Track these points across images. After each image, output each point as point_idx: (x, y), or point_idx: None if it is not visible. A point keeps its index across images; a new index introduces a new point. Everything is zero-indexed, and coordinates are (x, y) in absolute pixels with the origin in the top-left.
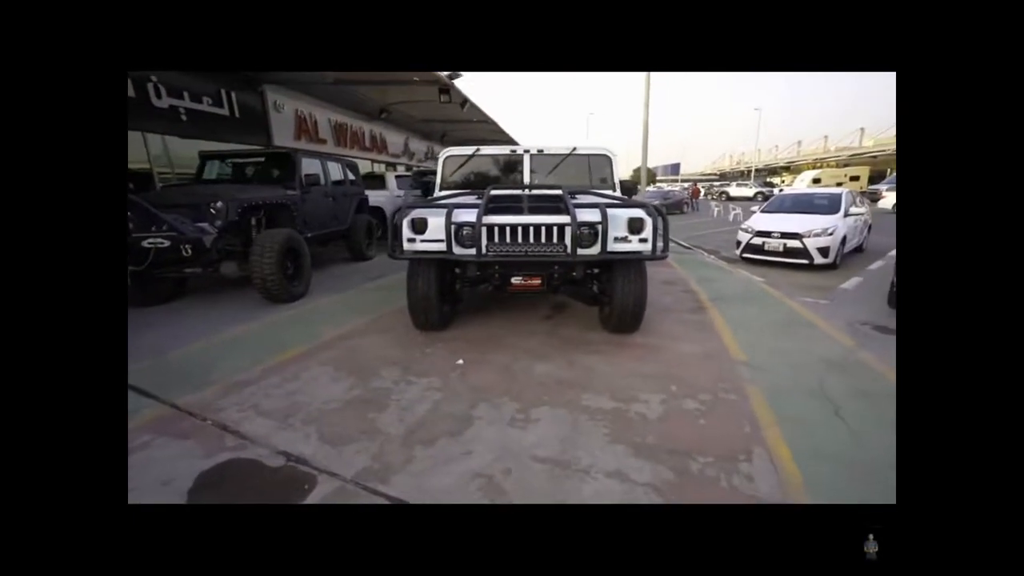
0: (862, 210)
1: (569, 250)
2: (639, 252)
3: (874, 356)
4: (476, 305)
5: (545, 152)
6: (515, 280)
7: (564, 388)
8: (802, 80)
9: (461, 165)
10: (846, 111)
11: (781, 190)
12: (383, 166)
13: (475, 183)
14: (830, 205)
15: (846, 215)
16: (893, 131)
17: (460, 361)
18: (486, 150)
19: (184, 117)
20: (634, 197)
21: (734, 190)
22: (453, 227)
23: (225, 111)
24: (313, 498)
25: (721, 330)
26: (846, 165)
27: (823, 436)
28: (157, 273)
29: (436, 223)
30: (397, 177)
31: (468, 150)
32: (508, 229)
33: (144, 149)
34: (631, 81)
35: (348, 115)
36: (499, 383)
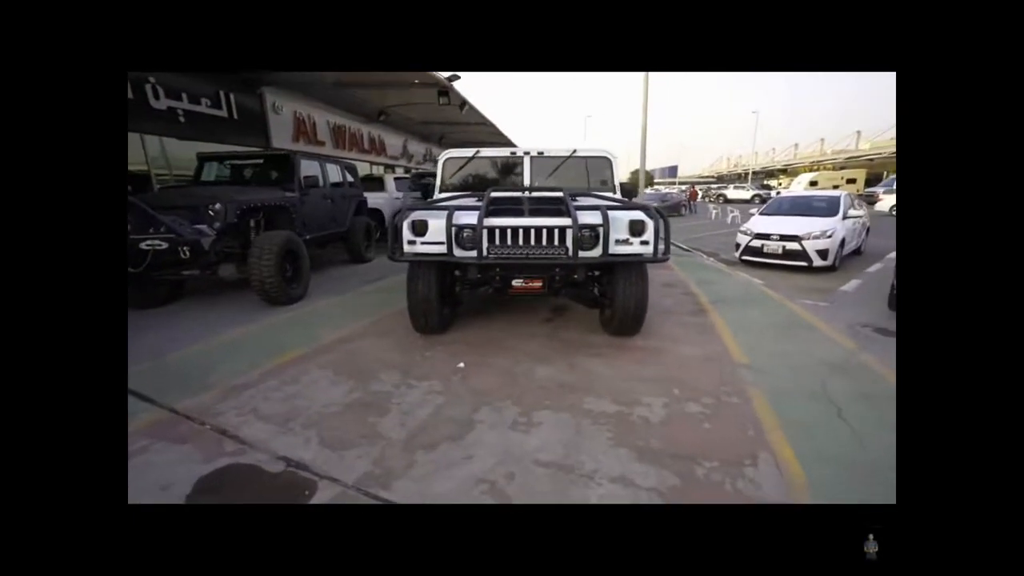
0: (860, 213)
1: (570, 252)
2: (640, 254)
3: (875, 358)
4: (475, 308)
5: (545, 154)
6: (516, 283)
7: (566, 391)
8: (800, 82)
9: (461, 167)
10: (843, 114)
11: (778, 193)
12: (381, 168)
13: (475, 185)
14: (828, 208)
15: (845, 218)
16: (889, 134)
17: (461, 364)
18: (486, 152)
19: (182, 119)
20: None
21: (731, 193)
22: (454, 229)
23: (224, 113)
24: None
25: (722, 332)
26: (842, 168)
27: (827, 439)
28: (155, 275)
29: (437, 225)
30: (396, 179)
31: (468, 152)
32: (509, 231)
33: (142, 151)
34: (628, 83)
35: (347, 117)
36: (500, 386)
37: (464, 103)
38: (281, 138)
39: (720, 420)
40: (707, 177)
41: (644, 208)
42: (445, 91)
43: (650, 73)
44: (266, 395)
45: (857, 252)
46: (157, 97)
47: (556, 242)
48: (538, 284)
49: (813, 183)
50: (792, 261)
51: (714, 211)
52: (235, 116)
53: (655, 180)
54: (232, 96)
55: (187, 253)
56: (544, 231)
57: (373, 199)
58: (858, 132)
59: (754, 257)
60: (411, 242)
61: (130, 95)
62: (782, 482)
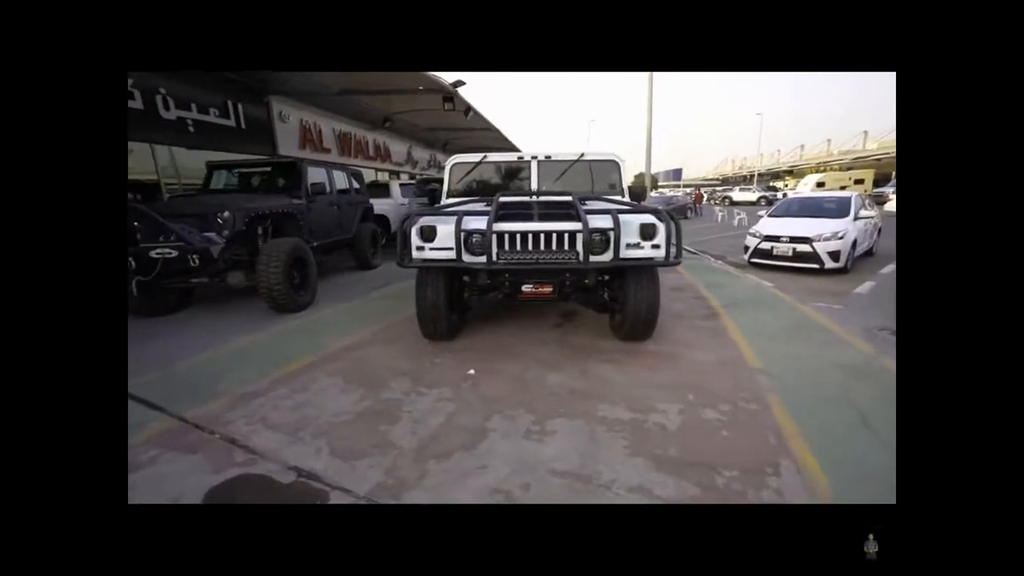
0: (872, 213)
1: (581, 257)
2: (651, 259)
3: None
4: (484, 313)
5: (553, 158)
6: (526, 288)
7: (579, 399)
8: (804, 82)
9: (468, 172)
10: (848, 114)
11: (784, 194)
12: (387, 174)
13: (482, 190)
14: (839, 209)
15: (856, 218)
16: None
17: (471, 371)
18: (493, 157)
19: (191, 128)
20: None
21: (737, 195)
22: (463, 235)
23: (231, 122)
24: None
25: (735, 336)
26: (850, 168)
27: (851, 447)
28: (164, 283)
29: (445, 231)
30: (401, 185)
31: (475, 157)
32: (519, 236)
33: (152, 160)
34: (631, 88)
35: (352, 124)
36: (512, 394)
37: (469, 109)
38: (288, 146)
39: (738, 427)
40: (712, 179)
41: (655, 211)
42: (450, 97)
43: (654, 74)
44: (275, 403)
45: (869, 253)
46: (167, 108)
47: (566, 247)
48: (548, 289)
49: (820, 184)
50: (802, 263)
51: (720, 214)
52: (243, 125)
53: (659, 183)
54: (240, 105)
55: (196, 261)
56: (554, 236)
57: (379, 205)
58: (865, 132)
59: (763, 260)
60: (420, 248)
61: (140, 105)
62: (805, 492)
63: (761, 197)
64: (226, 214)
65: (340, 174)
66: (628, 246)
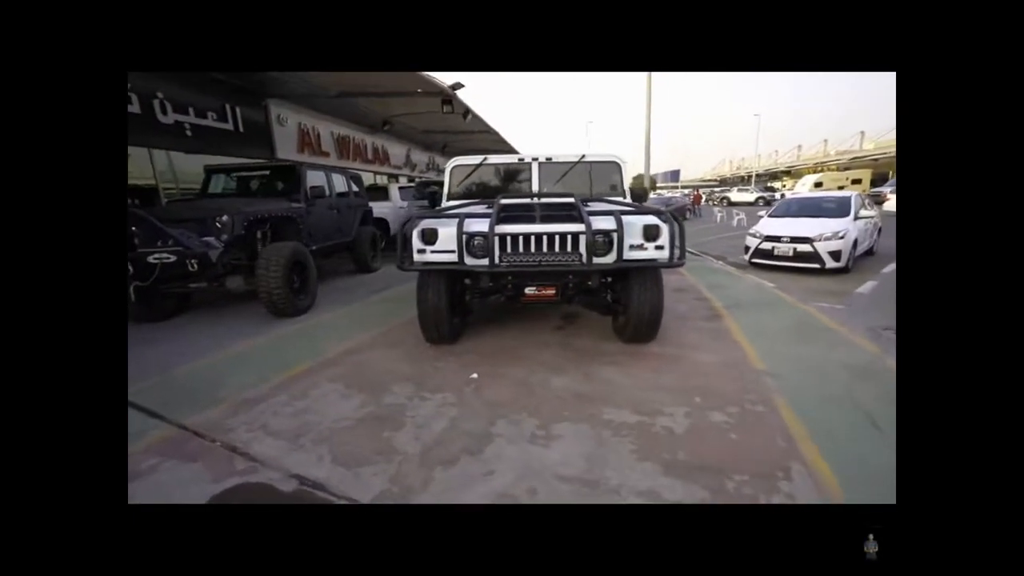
0: (872, 213)
1: (584, 259)
2: (655, 260)
3: None
4: (485, 316)
5: (553, 160)
6: (529, 290)
7: (584, 402)
8: (801, 83)
9: (468, 175)
10: (845, 114)
11: (782, 195)
12: (385, 178)
13: (483, 193)
14: (839, 208)
15: (856, 218)
16: (893, 134)
17: (474, 375)
18: (493, 159)
19: (189, 132)
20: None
21: (735, 195)
22: (465, 237)
23: (229, 126)
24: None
25: (738, 338)
26: (847, 168)
27: (862, 450)
28: (163, 288)
29: (447, 233)
30: (400, 188)
31: (475, 159)
32: (521, 238)
33: (150, 164)
34: (629, 90)
35: (350, 128)
36: (516, 398)
37: (467, 111)
38: (286, 149)
39: (747, 430)
40: (710, 180)
41: (658, 212)
42: (449, 99)
43: (652, 75)
44: (276, 410)
45: (869, 253)
46: (165, 112)
47: (569, 248)
48: (551, 292)
49: (818, 184)
50: (803, 263)
51: (719, 214)
52: (241, 129)
53: (657, 184)
54: (238, 109)
55: (195, 266)
56: (557, 237)
57: (378, 208)
58: (862, 132)
59: (764, 260)
60: (421, 251)
61: (138, 110)
62: (818, 496)
63: (759, 198)
64: (225, 218)
65: (339, 177)
66: (632, 247)
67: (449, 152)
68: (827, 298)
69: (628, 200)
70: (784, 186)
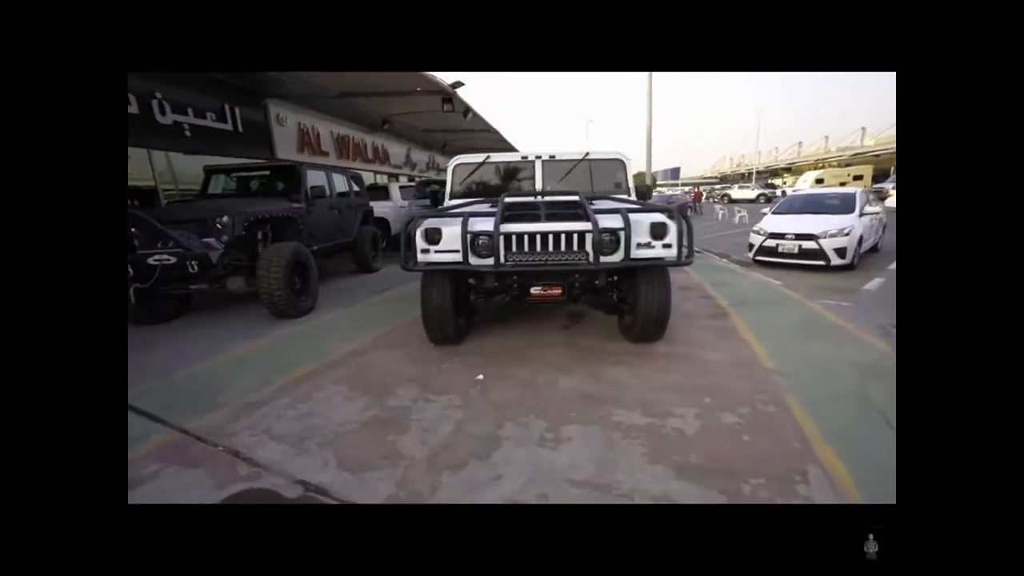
0: (877, 209)
1: (591, 258)
2: (662, 258)
3: None
4: (489, 316)
5: (557, 158)
6: (534, 290)
7: (592, 403)
8: (802, 80)
9: (471, 173)
10: (846, 111)
11: (783, 192)
12: (386, 177)
13: (486, 191)
14: (843, 205)
15: (862, 214)
16: (894, 131)
17: (480, 376)
18: (496, 157)
19: (188, 133)
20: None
21: (736, 192)
22: (469, 236)
23: (229, 126)
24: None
25: (746, 336)
26: (848, 165)
27: (878, 450)
28: (163, 290)
29: (451, 233)
30: (401, 188)
31: (478, 158)
32: (527, 237)
33: (149, 166)
34: (630, 86)
35: (350, 127)
36: (523, 399)
37: (468, 110)
38: (286, 149)
39: (759, 431)
40: (710, 177)
41: (665, 210)
42: (449, 98)
43: (652, 74)
44: (279, 413)
45: (874, 249)
46: (163, 112)
47: (575, 247)
48: (557, 291)
49: (819, 181)
50: (808, 260)
51: (720, 212)
52: (240, 129)
53: (658, 182)
54: (237, 109)
55: (195, 267)
56: (563, 236)
57: (379, 208)
58: (863, 129)
59: (768, 257)
60: (425, 251)
61: (136, 110)
62: (837, 501)
63: (760, 194)
64: (225, 219)
65: (339, 177)
66: (639, 246)
67: (449, 151)
68: (833, 295)
69: (633, 198)
70: (785, 183)
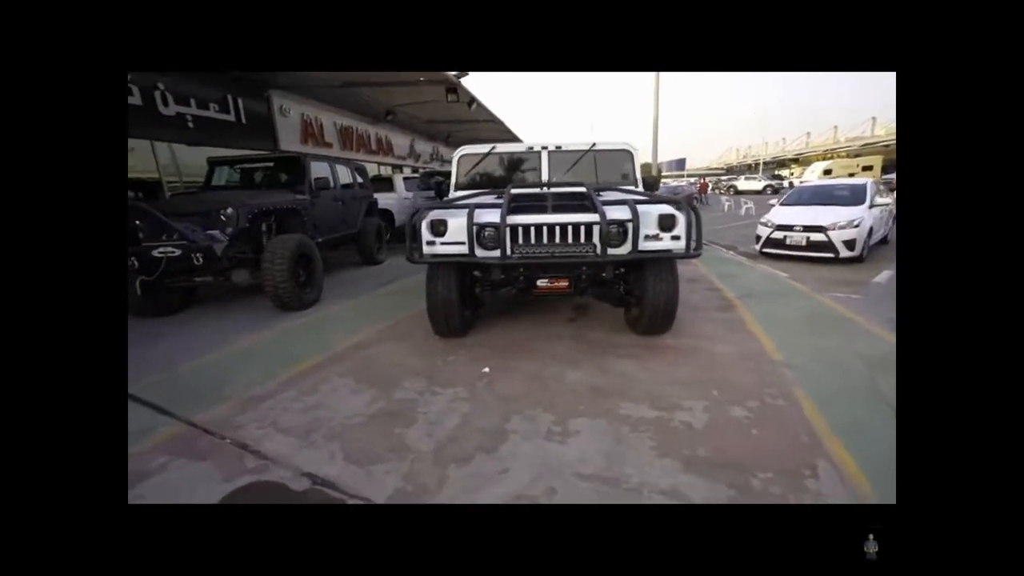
0: (887, 200)
1: (599, 250)
2: (671, 251)
3: None
4: (495, 309)
5: (563, 149)
6: (541, 282)
7: (600, 396)
8: (810, 75)
9: (476, 164)
10: (856, 101)
11: (791, 183)
12: (390, 168)
13: (491, 182)
14: (853, 196)
15: (872, 206)
16: None
17: (486, 369)
18: (502, 147)
19: (191, 124)
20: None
21: (742, 184)
22: (475, 228)
23: (232, 117)
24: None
25: (753, 329)
26: (858, 155)
27: (888, 445)
28: (168, 283)
29: (457, 224)
30: (404, 179)
31: (484, 148)
32: (533, 229)
33: (152, 158)
34: (635, 79)
35: (354, 118)
36: (530, 392)
37: (472, 100)
38: (289, 141)
39: (768, 425)
40: (716, 168)
41: (673, 201)
42: (453, 88)
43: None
44: (286, 406)
45: (883, 241)
46: (166, 104)
47: (583, 239)
48: (564, 283)
49: (827, 172)
50: (817, 252)
51: (727, 203)
52: (243, 120)
53: (663, 173)
54: (240, 100)
55: (200, 259)
56: (570, 228)
57: (383, 200)
58: (873, 118)
59: (776, 249)
60: (430, 243)
61: (139, 101)
62: (847, 495)
63: (767, 186)
64: (229, 211)
65: (343, 169)
66: (647, 238)
67: (453, 142)
68: (842, 288)
69: (641, 189)
70: (792, 174)
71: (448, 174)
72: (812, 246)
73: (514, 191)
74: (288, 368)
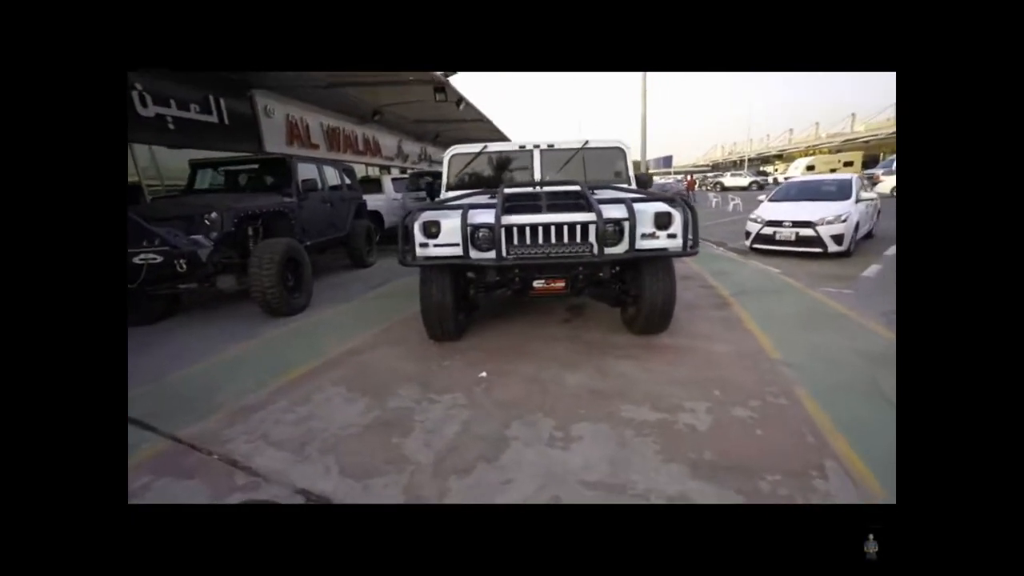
0: (872, 195)
1: (595, 250)
2: (667, 249)
3: None
4: (487, 311)
5: (555, 147)
6: (537, 283)
7: (600, 399)
8: (793, 75)
9: (467, 164)
10: (838, 97)
11: (775, 179)
12: (378, 169)
13: (482, 182)
14: (839, 191)
15: (858, 200)
16: (884, 115)
17: (483, 374)
18: (494, 147)
19: (172, 126)
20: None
21: (729, 180)
22: (469, 229)
23: (214, 118)
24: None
25: (750, 326)
26: (839, 151)
27: (895, 443)
28: (151, 290)
29: (450, 226)
30: (393, 180)
31: (475, 147)
32: (529, 229)
33: (131, 161)
34: (622, 78)
35: (340, 119)
36: (529, 397)
37: (461, 99)
38: (274, 142)
39: (772, 425)
40: (702, 166)
41: (669, 199)
42: (441, 87)
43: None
44: (277, 417)
45: (868, 235)
46: (145, 104)
47: (579, 239)
48: (561, 284)
49: (810, 167)
50: (806, 248)
51: (714, 200)
52: (226, 121)
53: (651, 171)
54: (222, 101)
55: (184, 266)
56: (566, 228)
57: (372, 201)
58: (852, 115)
59: (766, 245)
60: (423, 245)
61: None
62: (857, 495)
63: (752, 182)
64: (213, 215)
65: (331, 170)
66: (643, 236)
67: (441, 142)
68: (833, 283)
69: (634, 187)
70: (776, 170)
71: (438, 174)
72: (801, 241)
73: (507, 191)
74: (278, 377)
